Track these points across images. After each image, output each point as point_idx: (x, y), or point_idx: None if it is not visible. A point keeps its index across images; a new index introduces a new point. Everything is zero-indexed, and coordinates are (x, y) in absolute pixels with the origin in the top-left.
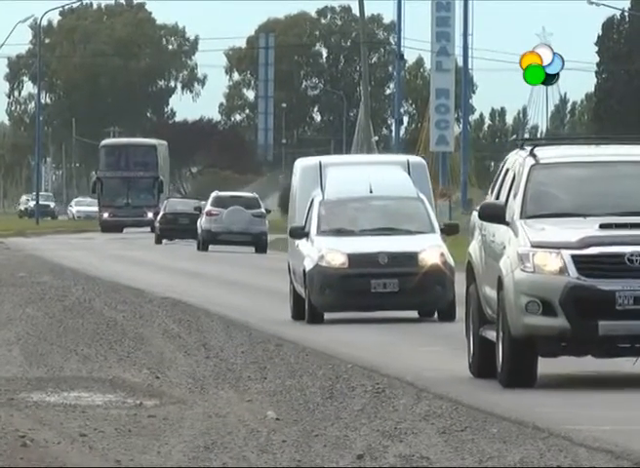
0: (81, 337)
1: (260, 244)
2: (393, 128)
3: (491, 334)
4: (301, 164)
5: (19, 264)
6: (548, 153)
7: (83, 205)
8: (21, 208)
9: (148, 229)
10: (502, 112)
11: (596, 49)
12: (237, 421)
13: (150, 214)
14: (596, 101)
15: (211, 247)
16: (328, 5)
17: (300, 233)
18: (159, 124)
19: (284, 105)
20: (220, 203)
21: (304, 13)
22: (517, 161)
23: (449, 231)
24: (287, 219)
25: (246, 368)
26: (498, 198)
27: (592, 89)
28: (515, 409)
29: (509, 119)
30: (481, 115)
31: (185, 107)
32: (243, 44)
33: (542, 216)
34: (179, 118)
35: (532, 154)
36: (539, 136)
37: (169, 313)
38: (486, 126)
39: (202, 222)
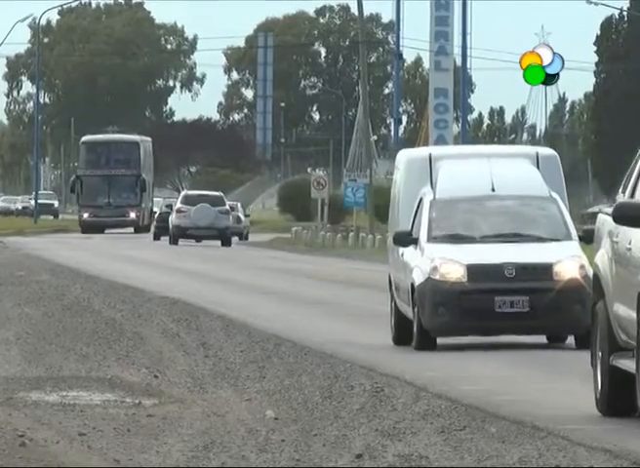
0: (80, 337)
1: (224, 238)
2: (392, 127)
3: (626, 364)
4: (406, 156)
5: (17, 263)
6: None
7: None
8: (19, 206)
9: (132, 230)
10: (501, 111)
11: (595, 48)
12: (236, 421)
13: (133, 214)
14: (595, 101)
15: (176, 242)
16: (326, 4)
17: (407, 239)
18: (158, 123)
19: (283, 105)
20: (188, 201)
21: (303, 12)
22: None
23: (590, 238)
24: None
25: (245, 367)
26: (632, 196)
27: (591, 88)
28: None
29: (508, 118)
30: (480, 114)
31: (184, 107)
32: (242, 43)
33: None
34: (177, 117)
35: None
36: (537, 135)
37: (168, 312)
38: (485, 125)
39: (172, 219)
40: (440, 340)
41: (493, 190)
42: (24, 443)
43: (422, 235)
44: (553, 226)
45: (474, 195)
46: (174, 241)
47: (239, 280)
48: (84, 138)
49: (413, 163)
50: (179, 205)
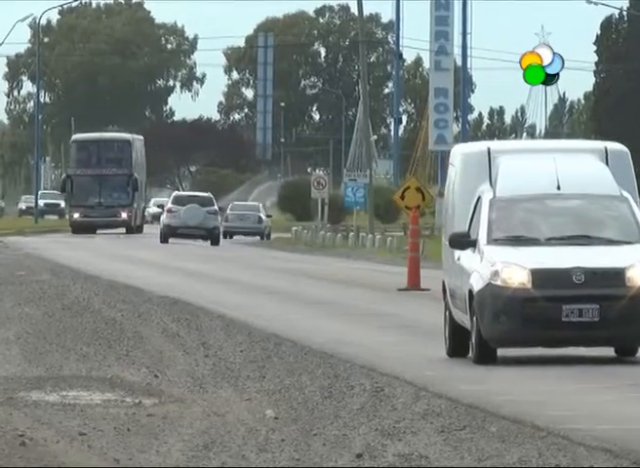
0: (80, 336)
1: (213, 237)
2: (392, 127)
3: None
4: (463, 151)
5: (18, 263)
6: None
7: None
8: (22, 207)
9: (123, 230)
10: (501, 111)
11: (595, 48)
12: (236, 420)
13: (124, 215)
14: (595, 100)
15: (166, 241)
16: (326, 4)
17: (465, 242)
18: (158, 123)
19: (283, 104)
20: (179, 201)
21: (303, 12)
22: None
23: None
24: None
25: (245, 367)
26: None
27: (591, 88)
28: None
29: (508, 118)
30: (480, 114)
31: (184, 106)
32: (242, 43)
33: None
34: (177, 117)
35: None
36: (537, 135)
37: (168, 312)
38: (485, 125)
39: (163, 218)
40: (500, 352)
41: (558, 188)
42: (24, 442)
43: (482, 237)
44: (625, 228)
45: (538, 194)
46: (164, 239)
47: (239, 280)
48: (74, 137)
49: (469, 158)
50: (169, 205)
